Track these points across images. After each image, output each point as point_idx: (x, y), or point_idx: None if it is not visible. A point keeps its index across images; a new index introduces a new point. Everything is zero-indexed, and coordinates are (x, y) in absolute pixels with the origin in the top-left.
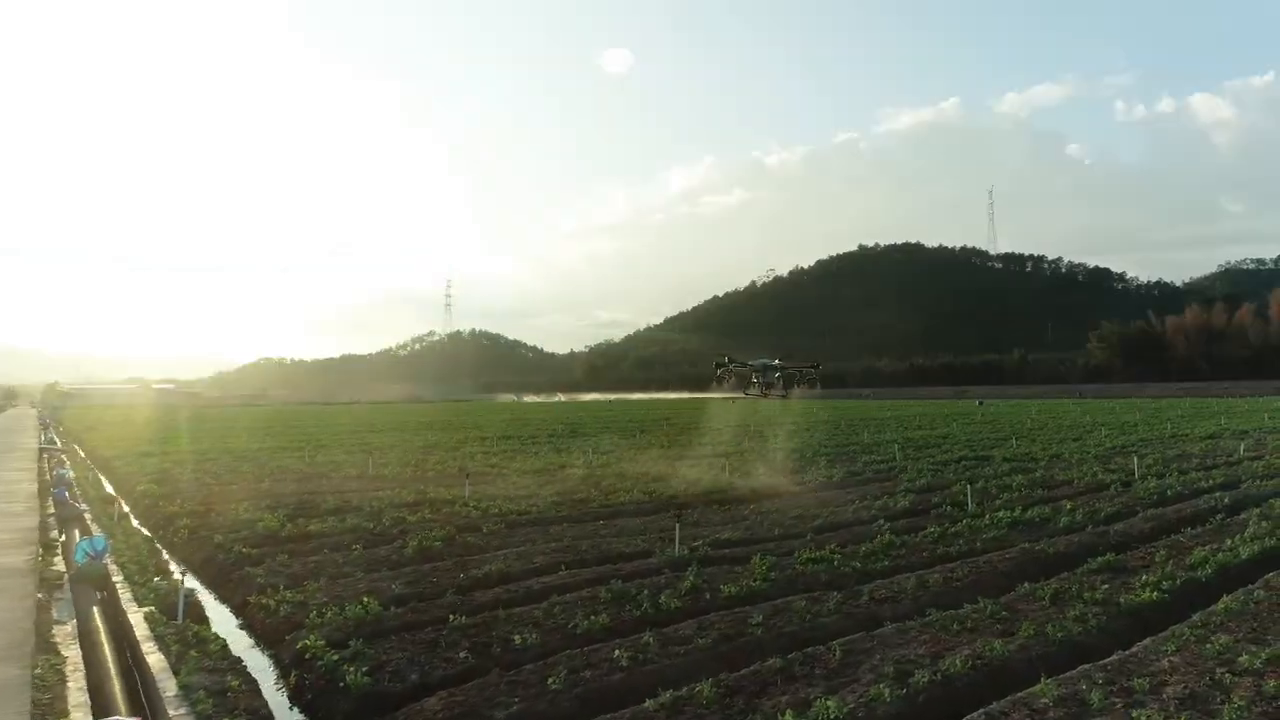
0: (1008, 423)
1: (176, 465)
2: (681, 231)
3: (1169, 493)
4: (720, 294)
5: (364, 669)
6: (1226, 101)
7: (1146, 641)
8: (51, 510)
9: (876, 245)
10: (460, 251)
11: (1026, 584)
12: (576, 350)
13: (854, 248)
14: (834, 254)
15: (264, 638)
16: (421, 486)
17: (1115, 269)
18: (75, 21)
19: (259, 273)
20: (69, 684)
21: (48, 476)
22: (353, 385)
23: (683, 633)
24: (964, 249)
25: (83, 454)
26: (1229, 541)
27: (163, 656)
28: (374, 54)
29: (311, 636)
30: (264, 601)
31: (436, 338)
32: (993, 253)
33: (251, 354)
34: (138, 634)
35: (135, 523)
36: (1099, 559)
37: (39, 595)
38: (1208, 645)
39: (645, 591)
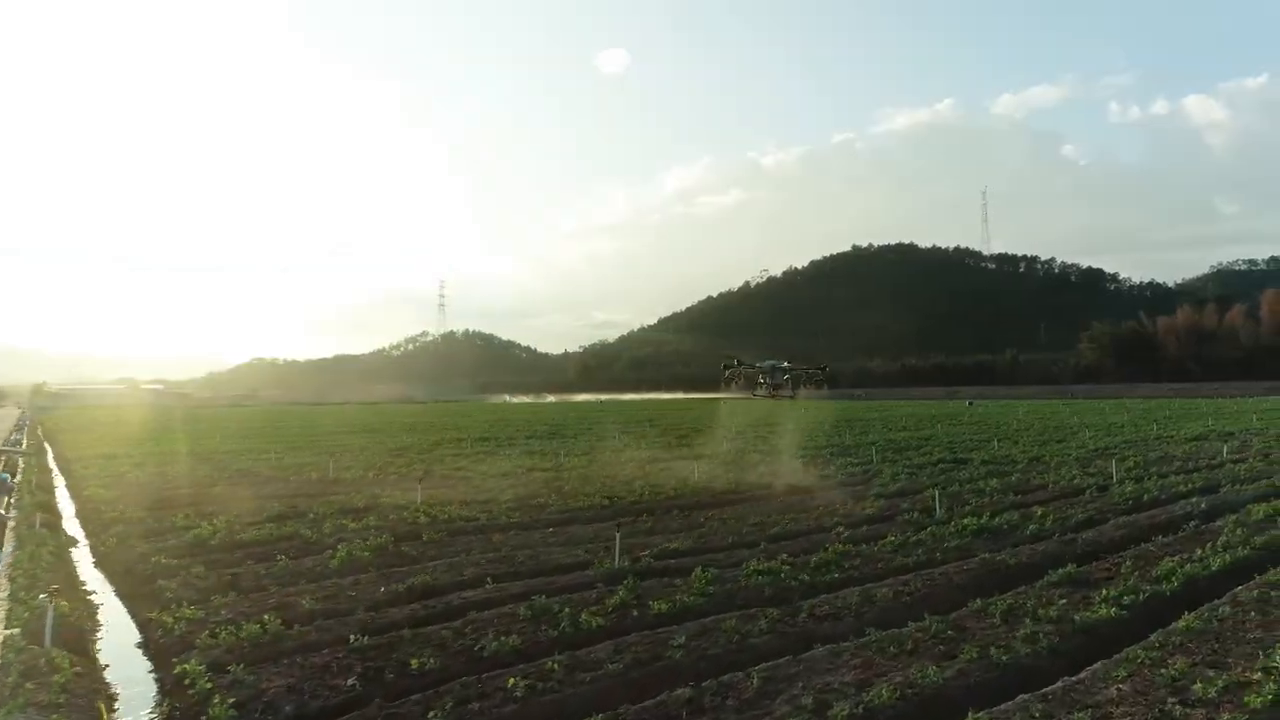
0: (994, 424)
1: (136, 468)
2: (678, 232)
3: (1145, 498)
4: (715, 294)
5: (234, 700)
6: (1221, 103)
7: (1097, 666)
8: None
9: (871, 246)
10: (458, 252)
11: (979, 599)
12: (572, 351)
13: (848, 248)
14: (828, 254)
15: (155, 660)
16: (377, 491)
17: (1111, 270)
18: (75, 21)
19: (257, 273)
20: None
21: None
22: (345, 386)
23: (596, 656)
24: (957, 249)
25: (51, 456)
26: (1199, 551)
27: None
28: (370, 54)
29: (194, 660)
30: (164, 619)
31: (430, 338)
32: (986, 253)
33: (250, 354)
34: None
35: (70, 531)
36: (1060, 571)
37: None
38: (1162, 670)
39: (568, 609)
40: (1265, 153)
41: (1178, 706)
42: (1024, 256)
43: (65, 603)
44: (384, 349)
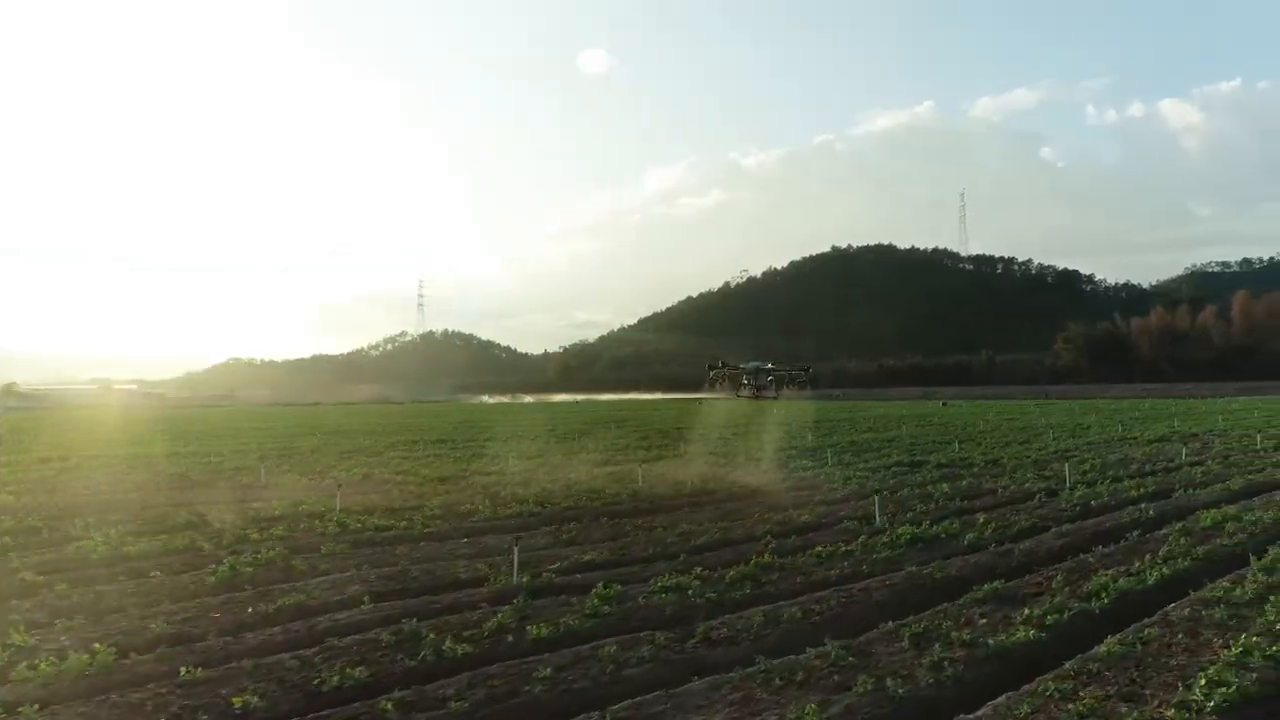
0: (962, 425)
1: (64, 473)
2: (659, 232)
3: (1094, 504)
4: (695, 295)
5: None
6: (1195, 107)
7: (1001, 700)
8: None
9: (850, 247)
10: (438, 252)
11: (892, 621)
12: (552, 351)
13: (828, 249)
14: (808, 255)
15: None
16: (301, 497)
17: (1087, 271)
18: (74, 22)
19: (244, 273)
20: None
21: None
22: (323, 386)
23: (444, 692)
24: (936, 250)
25: None
26: (1138, 564)
27: None
28: (351, 54)
29: None
30: None
31: (409, 338)
32: (964, 254)
33: (228, 354)
34: None
35: None
36: (988, 586)
37: None
38: (1070, 705)
39: (434, 635)
40: (1238, 156)
41: None
42: (1001, 258)
43: None
44: (363, 349)
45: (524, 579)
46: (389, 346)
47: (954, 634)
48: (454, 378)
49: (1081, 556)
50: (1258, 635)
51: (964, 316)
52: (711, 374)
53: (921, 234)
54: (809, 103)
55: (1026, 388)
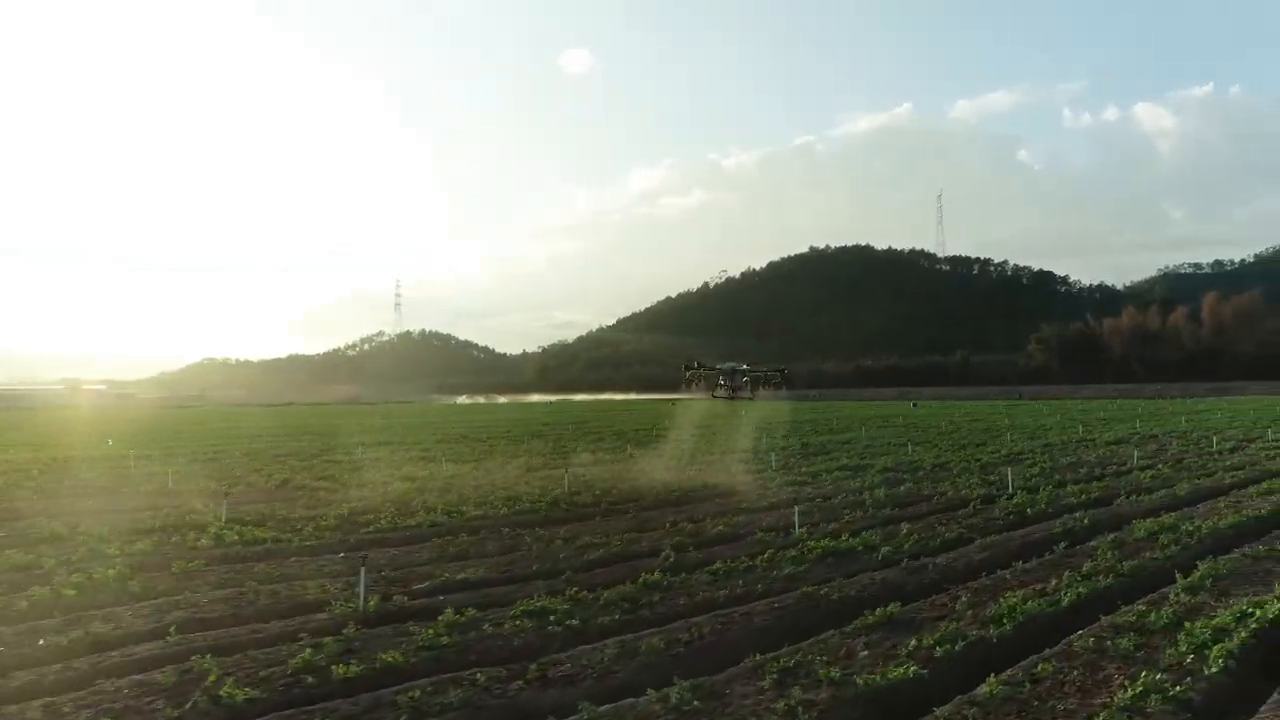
0: (924, 426)
1: None
2: (641, 232)
3: (1029, 511)
4: (673, 295)
5: None
6: (1169, 111)
7: None
8: None
9: (828, 247)
10: (419, 252)
11: (764, 653)
12: (531, 351)
13: (806, 249)
14: (785, 255)
15: None
16: (198, 505)
17: (1065, 273)
18: (72, 23)
19: (219, 274)
20: None
21: None
22: (298, 386)
23: None
24: (913, 251)
25: None
26: (1055, 581)
27: None
28: (334, 54)
29: None
30: None
31: (386, 338)
32: (940, 255)
33: (202, 354)
34: None
35: None
36: (885, 608)
37: None
38: None
39: (219, 676)
40: (1211, 160)
41: None
42: (978, 259)
43: None
44: (339, 349)
45: (371, 603)
46: (366, 346)
47: (825, 670)
48: (431, 378)
49: (999, 573)
50: (1162, 671)
51: (941, 317)
52: (688, 374)
53: (900, 235)
54: (790, 104)
55: (1001, 388)
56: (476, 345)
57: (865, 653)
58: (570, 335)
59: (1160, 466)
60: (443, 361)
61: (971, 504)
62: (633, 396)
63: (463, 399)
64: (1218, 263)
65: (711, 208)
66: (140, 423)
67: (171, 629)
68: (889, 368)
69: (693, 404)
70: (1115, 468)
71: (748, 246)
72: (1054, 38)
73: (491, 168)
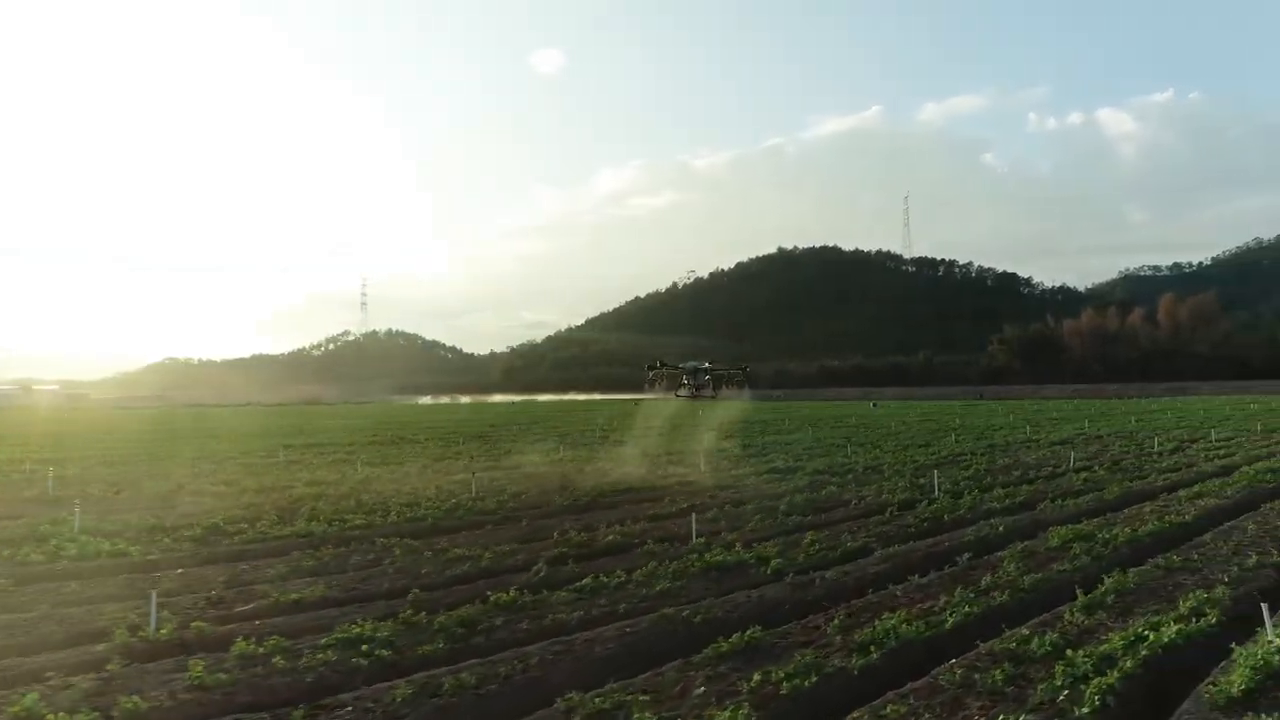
0: (876, 426)
1: None
2: (611, 233)
3: (946, 518)
4: (642, 295)
5: None
6: (1131, 116)
7: None
8: None
9: (795, 248)
10: (390, 251)
11: (581, 691)
12: (498, 351)
13: (774, 250)
14: (753, 256)
15: None
16: (63, 514)
17: (1029, 274)
18: (70, 24)
19: (187, 274)
20: None
21: None
22: (260, 387)
23: None
24: (879, 253)
25: None
26: (945, 599)
27: None
28: (301, 52)
29: None
30: None
31: (352, 337)
32: (907, 257)
33: (184, 353)
34: None
35: None
36: (746, 633)
37: None
38: None
39: None
40: (1171, 165)
41: None
42: (943, 260)
43: None
44: (305, 349)
45: (163, 630)
46: (331, 346)
47: (641, 714)
48: (396, 378)
49: (891, 588)
50: (1028, 712)
51: (907, 318)
52: (650, 374)
53: (867, 236)
54: (761, 106)
55: (963, 388)
56: (444, 345)
57: (701, 690)
58: (539, 335)
59: (1096, 468)
60: (409, 361)
61: (889, 510)
62: (595, 397)
63: (426, 399)
64: (1176, 265)
65: (681, 208)
66: (75, 424)
67: None
68: (854, 368)
69: (653, 404)
70: (1050, 470)
71: (717, 247)
72: (1020, 43)
73: (462, 167)
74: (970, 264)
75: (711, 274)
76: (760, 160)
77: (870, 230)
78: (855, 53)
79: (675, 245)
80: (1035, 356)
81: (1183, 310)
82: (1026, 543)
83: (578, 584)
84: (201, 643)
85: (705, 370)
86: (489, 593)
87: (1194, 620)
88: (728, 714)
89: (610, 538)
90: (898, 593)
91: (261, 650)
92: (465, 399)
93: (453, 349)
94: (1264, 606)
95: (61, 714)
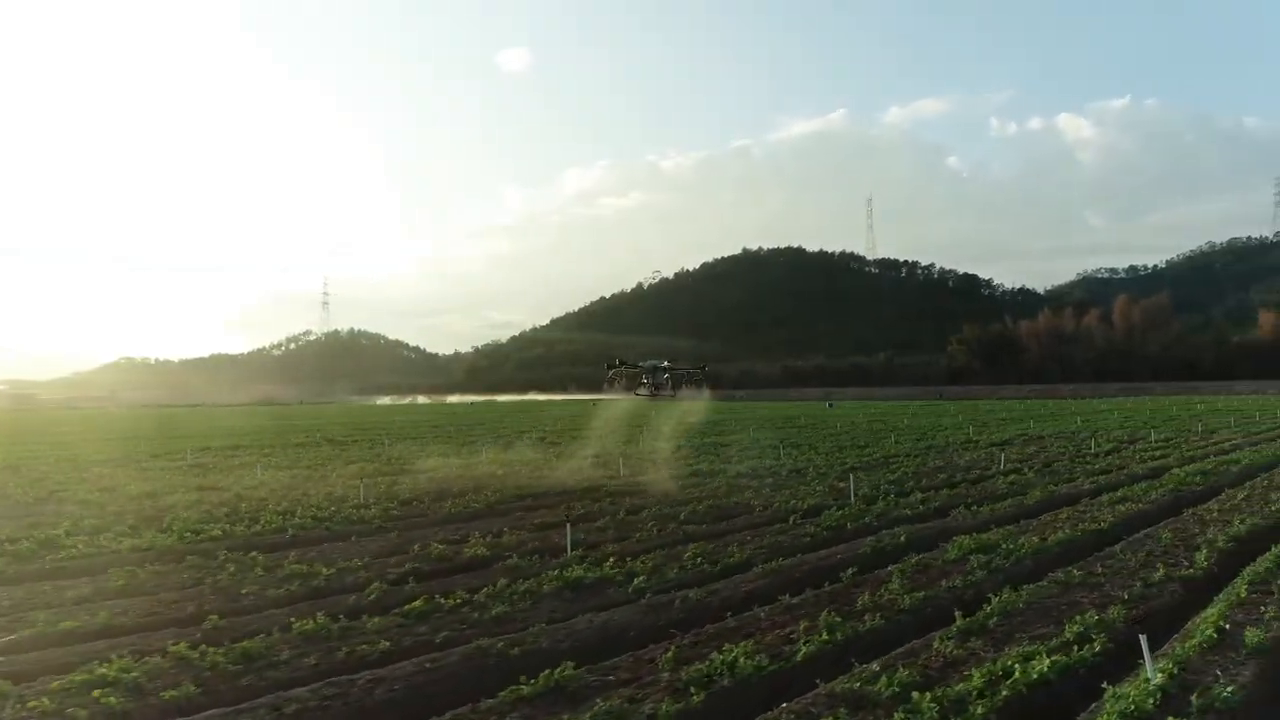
0: (822, 427)
1: None
2: (578, 233)
3: (849, 526)
4: (607, 295)
5: None
6: (1089, 121)
7: None
8: None
9: (760, 249)
10: (355, 251)
11: None
12: (463, 351)
13: (739, 250)
14: (718, 257)
15: None
16: None
17: (991, 277)
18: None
19: (149, 272)
20: None
21: None
22: (216, 387)
23: None
24: (843, 254)
25: None
26: (805, 625)
27: None
28: (264, 50)
29: None
30: None
31: (313, 337)
32: (870, 258)
33: (140, 352)
34: None
35: None
36: (551, 673)
37: None
38: None
39: None
40: (1129, 169)
41: None
42: (905, 261)
43: None
44: (265, 348)
45: None
46: (292, 346)
47: None
48: (357, 378)
49: (755, 610)
50: None
51: (870, 319)
52: (610, 372)
53: (832, 237)
54: (728, 107)
55: (923, 389)
56: (407, 345)
57: None
58: (505, 335)
59: (1026, 471)
60: (371, 361)
61: (793, 517)
62: (556, 397)
63: (385, 400)
64: (1133, 268)
65: (649, 209)
66: (13, 426)
67: None
68: (816, 368)
69: (608, 405)
70: (979, 472)
71: (685, 247)
72: (983, 48)
73: (428, 166)
74: (933, 265)
75: (676, 274)
76: (727, 161)
77: (835, 231)
78: (822, 56)
79: (643, 245)
80: (994, 357)
81: (1136, 312)
82: (924, 555)
83: (407, 607)
84: None
85: (664, 369)
86: (292, 620)
87: (1076, 649)
88: None
89: (477, 550)
90: (761, 615)
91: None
92: (422, 399)
93: (416, 349)
94: (1143, 639)
95: None
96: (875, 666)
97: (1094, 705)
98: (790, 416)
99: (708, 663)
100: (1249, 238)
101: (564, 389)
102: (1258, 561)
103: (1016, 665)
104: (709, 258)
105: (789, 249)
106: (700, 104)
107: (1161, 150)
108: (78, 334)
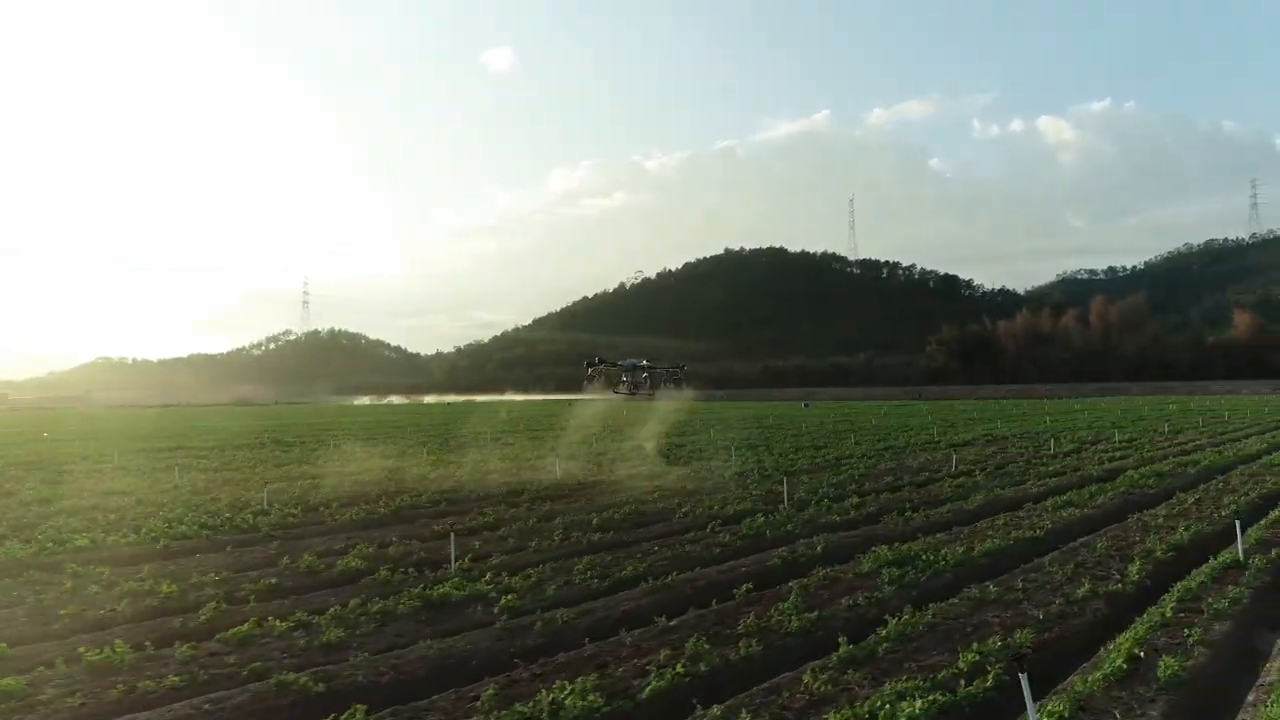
0: (787, 428)
1: None
2: (563, 232)
3: (769, 534)
4: (590, 295)
5: None
6: (1070, 124)
7: None
8: None
9: (742, 249)
10: (339, 251)
11: None
12: (445, 351)
13: (722, 251)
14: (701, 257)
15: None
16: None
17: (972, 278)
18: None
19: (131, 272)
20: None
21: None
22: (195, 387)
23: None
24: (825, 254)
25: None
26: (669, 653)
27: None
28: (247, 47)
29: None
30: None
31: (293, 336)
32: (852, 259)
33: (118, 352)
34: None
35: None
36: (338, 718)
37: None
38: None
39: None
40: (1108, 171)
41: None
42: (886, 262)
43: None
44: (244, 348)
45: None
46: (271, 346)
47: None
48: (336, 378)
49: (621, 635)
50: None
51: (850, 318)
52: (589, 370)
53: (815, 238)
54: (713, 108)
55: (903, 389)
56: (388, 345)
57: None
58: (489, 335)
59: (977, 473)
60: (351, 361)
61: (711, 525)
62: (534, 397)
63: (364, 400)
64: (1112, 269)
65: (633, 209)
66: None
67: None
68: (796, 368)
69: (582, 404)
70: (928, 475)
71: (668, 247)
72: (966, 51)
73: (412, 166)
74: (914, 266)
75: (659, 274)
76: (711, 162)
77: (819, 232)
78: (806, 57)
79: (627, 245)
80: (972, 357)
81: (1113, 312)
82: (835, 568)
83: (231, 631)
84: None
85: (643, 368)
86: (82, 650)
87: (964, 684)
88: None
89: (352, 563)
90: (626, 641)
91: None
92: (396, 399)
93: (397, 349)
94: (1023, 679)
95: None
96: (717, 710)
97: None
98: (760, 417)
99: (533, 703)
100: (1226, 239)
101: (543, 389)
102: (1193, 574)
103: (885, 707)
104: (692, 258)
105: (771, 249)
106: (685, 104)
107: (1141, 152)
108: (58, 333)
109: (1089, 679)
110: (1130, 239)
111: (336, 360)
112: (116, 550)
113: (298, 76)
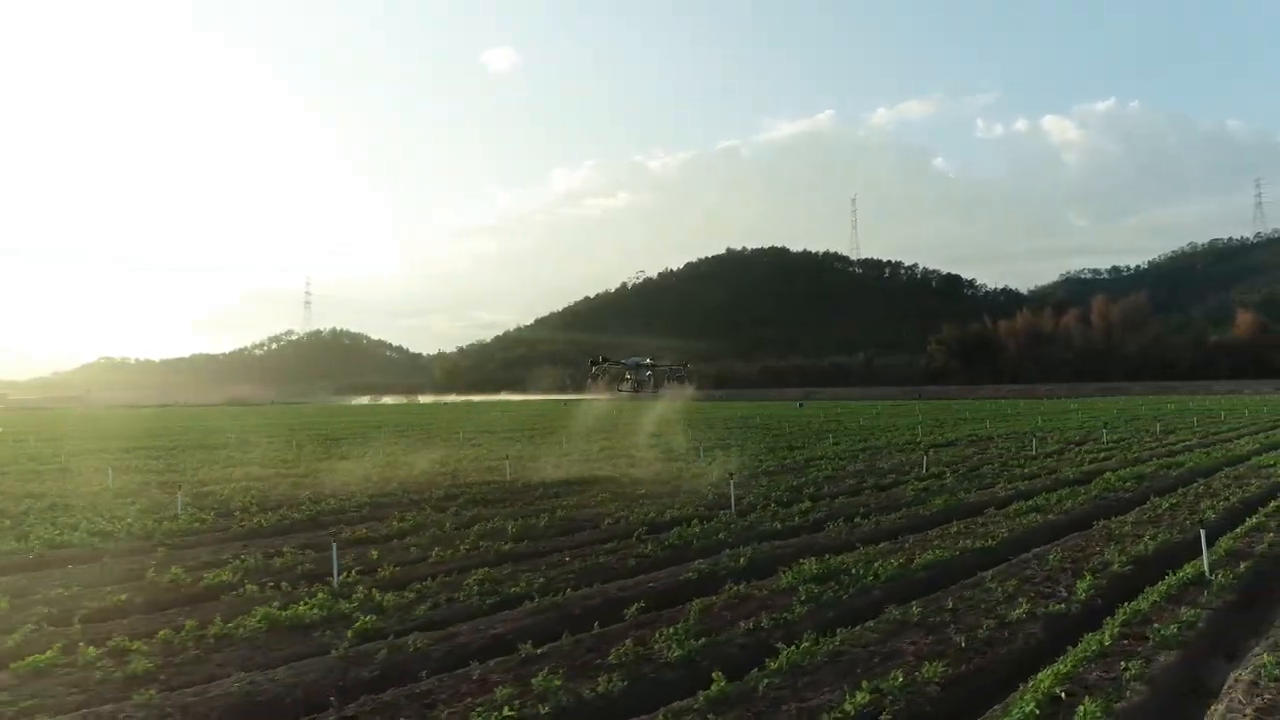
0: (773, 428)
1: None
2: (565, 232)
3: (695, 544)
4: (591, 295)
5: None
6: (1074, 123)
7: None
8: None
9: (744, 249)
10: (341, 251)
11: None
12: (446, 351)
13: (724, 250)
14: (703, 256)
15: None
16: None
17: (974, 277)
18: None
19: (134, 272)
20: None
21: None
22: (196, 387)
23: None
24: (827, 254)
25: None
26: (513, 691)
27: None
28: (248, 48)
29: None
30: None
31: (295, 336)
32: (854, 258)
33: (120, 352)
34: None
35: None
36: None
37: None
38: None
39: None
40: (1112, 171)
41: None
42: (889, 262)
43: None
44: (246, 348)
45: None
46: (273, 346)
47: None
48: (337, 378)
49: (469, 667)
50: None
51: (852, 318)
52: (594, 369)
53: (818, 238)
54: (715, 108)
55: (903, 389)
56: (390, 345)
57: None
58: (490, 335)
59: (947, 475)
60: (353, 361)
61: (637, 532)
62: (534, 397)
63: (364, 400)
64: (1115, 269)
65: (635, 209)
66: None
67: None
68: (795, 368)
69: (581, 405)
70: (895, 477)
71: (669, 247)
72: (969, 51)
73: (413, 166)
74: (916, 265)
75: (661, 274)
76: (714, 162)
77: (821, 232)
78: (809, 57)
79: (629, 245)
80: (973, 357)
81: (1114, 312)
82: (751, 584)
83: (29, 659)
84: None
85: (647, 366)
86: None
87: None
88: None
89: (222, 577)
90: (473, 675)
91: None
92: (390, 399)
93: (399, 348)
94: None
95: None
96: None
97: None
98: (748, 416)
99: None
100: (1231, 239)
101: (542, 390)
102: (1146, 592)
103: None
104: (694, 257)
105: (773, 249)
106: (687, 105)
107: (1144, 152)
108: (61, 334)
109: None
110: (1133, 239)
111: (338, 360)
112: (72, 554)
113: (298, 76)
